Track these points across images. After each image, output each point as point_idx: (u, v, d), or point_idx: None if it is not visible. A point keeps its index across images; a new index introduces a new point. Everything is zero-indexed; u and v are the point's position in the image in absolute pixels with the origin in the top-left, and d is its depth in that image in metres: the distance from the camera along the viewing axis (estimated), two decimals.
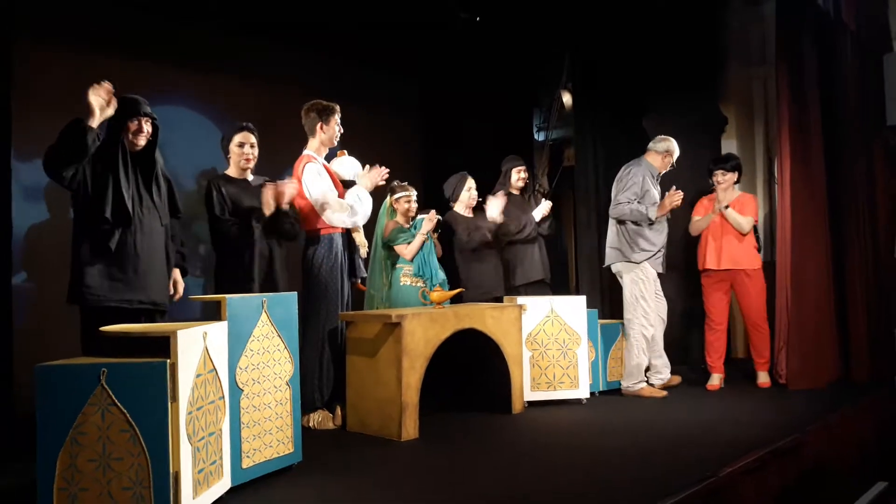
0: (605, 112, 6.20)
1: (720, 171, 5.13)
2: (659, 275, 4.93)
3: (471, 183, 5.01)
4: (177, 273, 3.58)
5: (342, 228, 4.11)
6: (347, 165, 4.36)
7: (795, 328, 4.88)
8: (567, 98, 7.41)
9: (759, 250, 5.13)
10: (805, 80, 5.05)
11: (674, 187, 4.80)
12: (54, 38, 4.61)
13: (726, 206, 5.02)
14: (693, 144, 6.08)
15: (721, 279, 5.09)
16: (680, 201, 4.77)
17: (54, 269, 4.09)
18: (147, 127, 3.30)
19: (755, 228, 5.10)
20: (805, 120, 5.03)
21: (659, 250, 4.90)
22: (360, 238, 4.20)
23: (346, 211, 4.01)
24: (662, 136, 5.04)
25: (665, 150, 4.97)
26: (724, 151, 6.23)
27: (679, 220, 5.41)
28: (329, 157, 4.37)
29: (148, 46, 5.05)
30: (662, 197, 4.88)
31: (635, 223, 4.83)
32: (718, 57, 6.37)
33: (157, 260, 3.35)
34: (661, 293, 5.03)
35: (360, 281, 4.25)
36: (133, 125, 3.25)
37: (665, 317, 5.03)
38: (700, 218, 5.20)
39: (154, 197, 3.36)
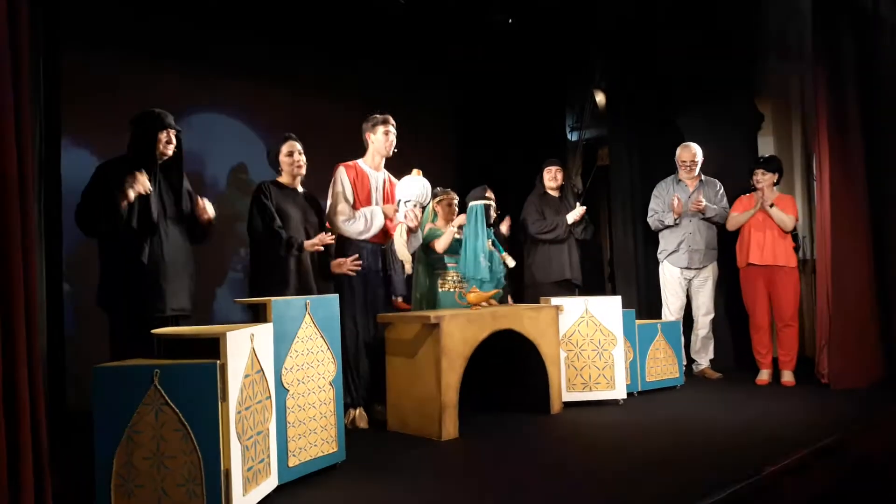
0: (639, 111, 6.18)
1: (761, 171, 5.17)
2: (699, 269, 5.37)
3: (490, 195, 4.98)
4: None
5: (369, 238, 4.20)
6: (405, 185, 4.25)
7: (837, 327, 4.82)
8: (600, 97, 7.38)
9: (797, 250, 5.19)
10: (843, 75, 4.98)
11: (698, 194, 5.32)
12: (101, 50, 4.75)
13: (771, 204, 5.06)
14: (730, 142, 6.05)
15: (761, 275, 5.12)
16: (694, 206, 5.27)
17: (90, 276, 4.25)
18: (171, 138, 3.47)
19: (794, 227, 5.12)
20: (844, 116, 4.96)
21: (676, 249, 5.34)
22: (403, 253, 4.19)
23: (342, 217, 4.15)
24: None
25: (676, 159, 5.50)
26: (760, 149, 6.20)
27: None
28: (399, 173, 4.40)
29: (189, 56, 5.17)
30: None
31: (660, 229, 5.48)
32: (754, 53, 6.30)
33: (182, 268, 3.50)
34: (702, 289, 5.38)
35: (398, 298, 4.25)
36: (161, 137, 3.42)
37: (701, 311, 5.40)
38: (739, 214, 5.23)
39: (181, 207, 3.52)
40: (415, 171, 4.31)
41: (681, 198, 5.35)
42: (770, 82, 6.35)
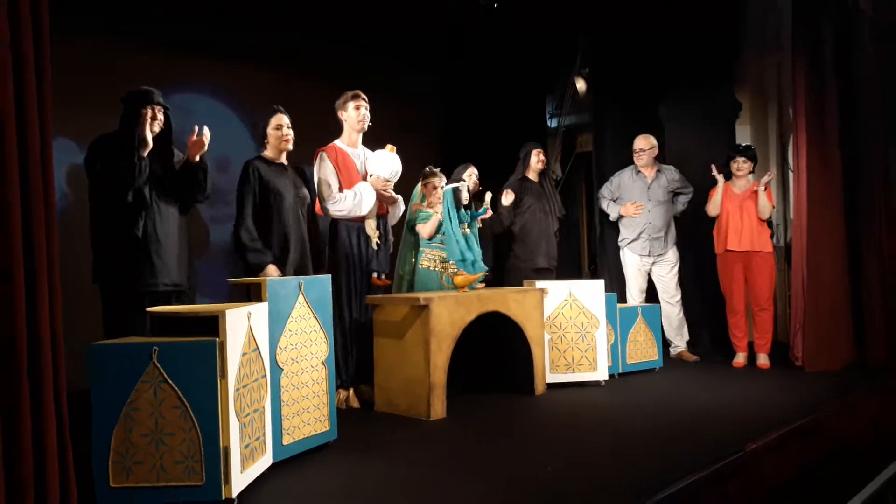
0: (620, 97, 6.24)
1: (742, 158, 5.27)
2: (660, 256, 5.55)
3: (472, 171, 4.97)
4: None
5: (354, 218, 4.17)
6: (376, 160, 4.27)
7: (811, 311, 4.95)
8: (581, 84, 7.44)
9: (772, 237, 5.30)
10: (822, 65, 5.08)
11: (633, 202, 5.52)
12: (82, 30, 4.67)
13: (764, 188, 5.16)
14: (708, 130, 6.16)
15: (738, 260, 5.22)
16: (635, 213, 5.52)
17: (76, 252, 4.21)
18: (159, 115, 3.49)
19: (770, 215, 5.23)
20: (821, 105, 5.07)
21: (636, 238, 5.52)
22: (370, 229, 4.23)
23: (331, 201, 4.12)
24: None
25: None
26: (738, 137, 6.32)
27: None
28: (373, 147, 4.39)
29: (173, 36, 5.10)
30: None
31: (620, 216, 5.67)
32: (734, 43, 6.39)
33: (175, 243, 3.52)
34: (666, 276, 5.54)
35: (376, 275, 4.25)
36: (147, 113, 3.43)
37: (666, 296, 5.55)
38: (716, 195, 5.31)
39: (171, 183, 3.52)
40: (388, 146, 4.31)
41: (640, 188, 5.53)
42: (748, 72, 6.46)
